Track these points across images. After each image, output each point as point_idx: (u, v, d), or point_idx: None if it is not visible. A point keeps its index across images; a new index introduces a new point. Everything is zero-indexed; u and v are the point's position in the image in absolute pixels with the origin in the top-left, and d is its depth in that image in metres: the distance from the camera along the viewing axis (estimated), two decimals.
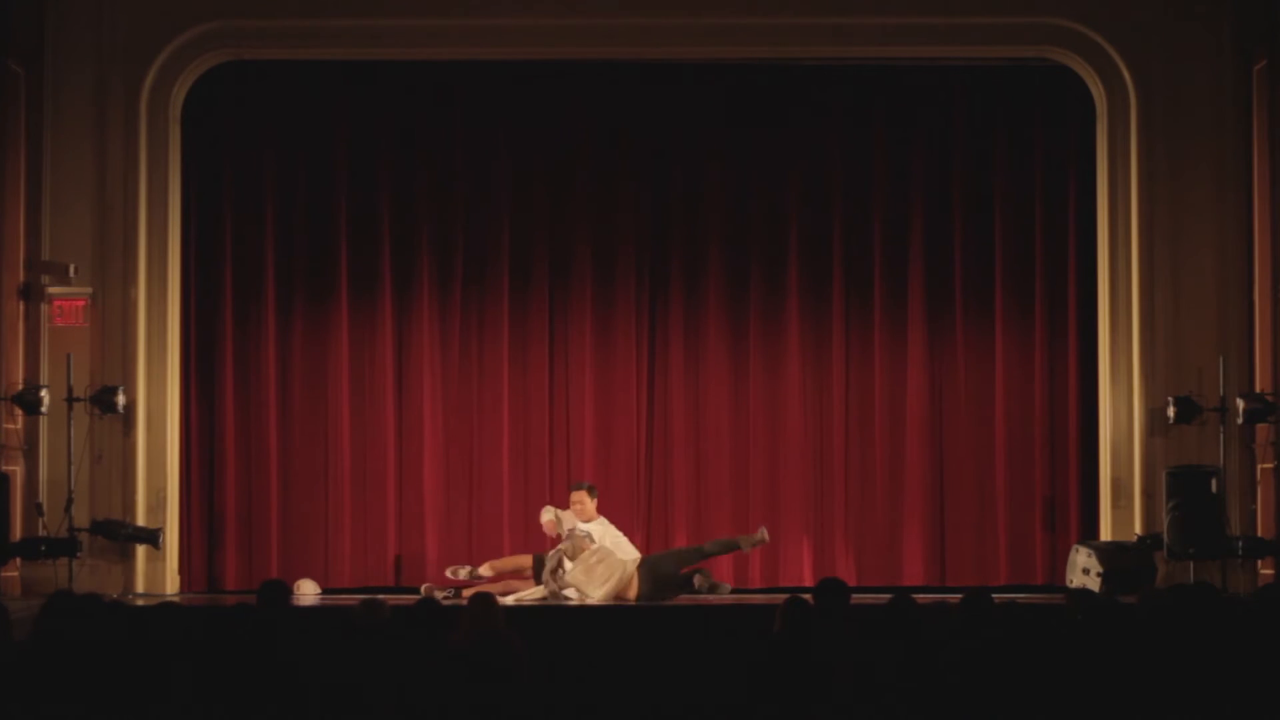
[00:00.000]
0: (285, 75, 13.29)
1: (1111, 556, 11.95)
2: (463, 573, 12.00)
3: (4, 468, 12.06)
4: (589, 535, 11.64)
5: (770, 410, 13.28)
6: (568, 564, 11.47)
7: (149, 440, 12.76)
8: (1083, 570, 11.99)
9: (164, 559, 12.69)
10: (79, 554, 12.18)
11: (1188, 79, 12.81)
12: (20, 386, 12.25)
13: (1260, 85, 12.50)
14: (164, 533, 12.63)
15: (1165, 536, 12.18)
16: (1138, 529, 12.61)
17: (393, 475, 13.16)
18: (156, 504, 12.75)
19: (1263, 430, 12.31)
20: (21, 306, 12.51)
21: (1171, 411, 12.49)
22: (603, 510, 13.06)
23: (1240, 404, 12.20)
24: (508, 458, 13.11)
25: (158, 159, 12.90)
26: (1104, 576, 11.77)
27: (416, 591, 11.90)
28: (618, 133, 13.43)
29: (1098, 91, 12.99)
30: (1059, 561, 12.73)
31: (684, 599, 11.79)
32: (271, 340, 13.24)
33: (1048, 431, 13.21)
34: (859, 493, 13.24)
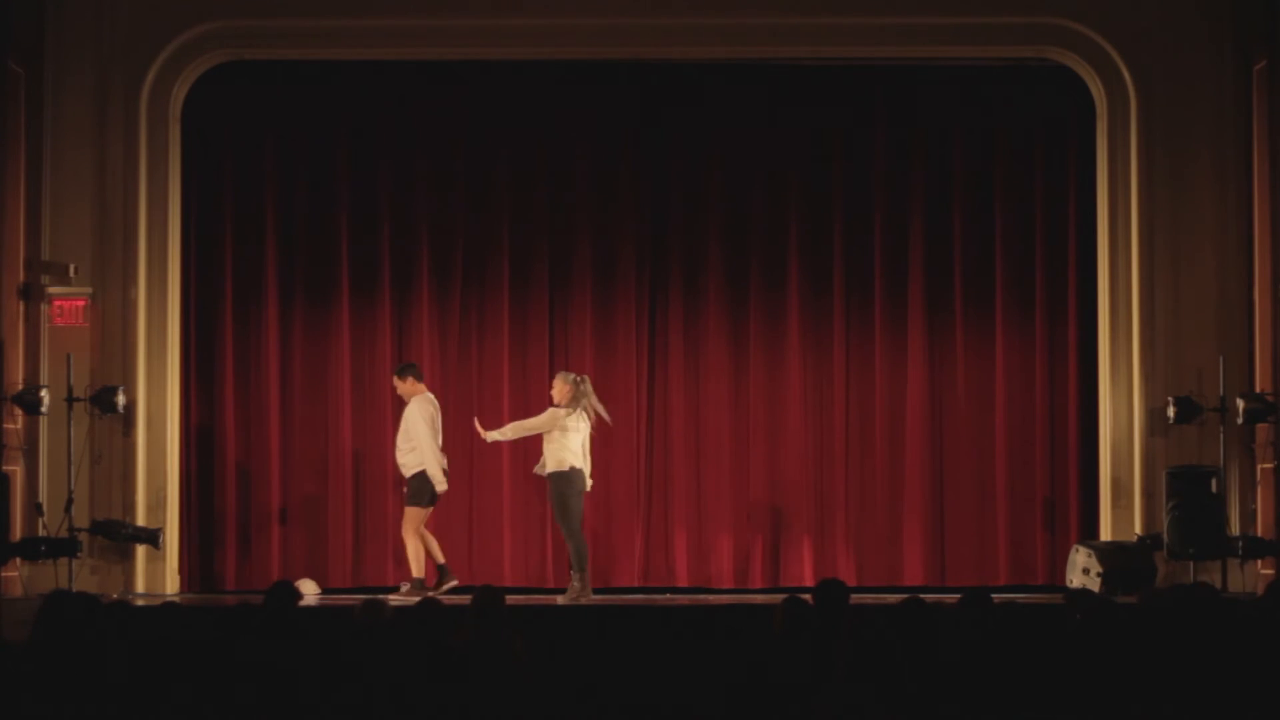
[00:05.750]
0: (285, 75, 13.30)
1: (1111, 556, 11.96)
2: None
3: (4, 468, 12.06)
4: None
5: (770, 410, 13.28)
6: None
7: (149, 440, 12.77)
8: (1083, 570, 12.00)
9: (164, 559, 12.69)
10: (79, 554, 12.19)
11: (1188, 79, 12.81)
12: (20, 386, 12.25)
13: (1260, 85, 12.49)
14: (164, 533, 12.64)
15: (1165, 536, 12.18)
16: (1138, 529, 12.61)
17: (393, 475, 13.14)
18: (156, 504, 12.75)
19: (1263, 430, 12.31)
20: (21, 306, 12.51)
21: (1171, 411, 12.49)
22: (603, 510, 13.12)
23: (1240, 404, 12.20)
24: (507, 457, 13.09)
25: (158, 159, 12.91)
26: (1104, 576, 11.77)
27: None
28: (618, 133, 13.43)
29: (1098, 91, 12.99)
30: (1059, 561, 12.73)
31: (683, 599, 11.80)
32: (272, 340, 13.24)
33: (1048, 431, 13.21)
34: (859, 492, 13.24)
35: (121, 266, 12.78)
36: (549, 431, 11.65)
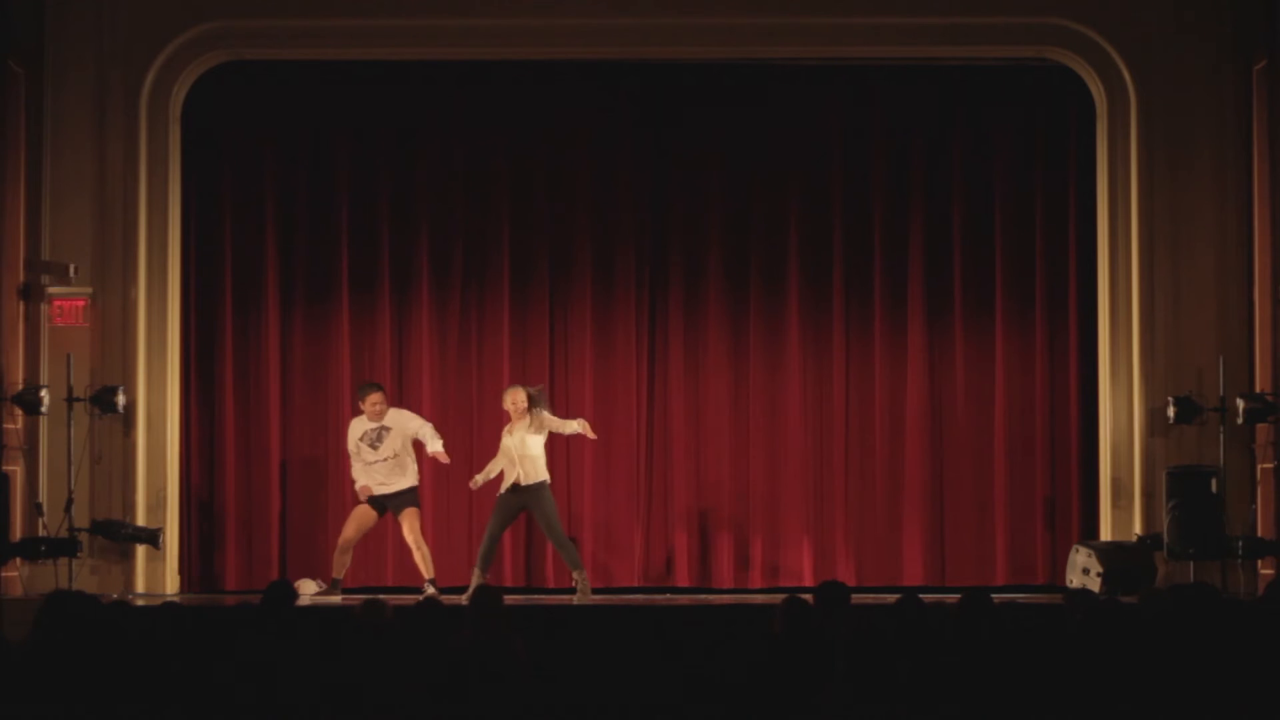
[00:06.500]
0: (285, 75, 13.30)
1: (1111, 556, 11.95)
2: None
3: (4, 468, 12.06)
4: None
5: (770, 410, 13.28)
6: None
7: (149, 440, 12.77)
8: (1083, 570, 11.99)
9: (164, 559, 12.69)
10: (79, 554, 12.19)
11: (1188, 79, 12.81)
12: (20, 386, 12.25)
13: (1260, 85, 12.50)
14: (164, 533, 12.64)
15: (1165, 536, 12.18)
16: (1138, 529, 12.61)
17: None
18: (156, 504, 12.75)
19: (1263, 430, 12.31)
20: (21, 306, 12.52)
21: (1171, 411, 12.49)
22: (603, 510, 13.12)
23: (1240, 404, 12.20)
24: None
25: (158, 159, 12.91)
26: (1104, 576, 11.77)
27: (418, 591, 11.90)
28: (618, 132, 13.43)
29: (1098, 91, 12.99)
30: (1059, 561, 12.73)
31: (683, 599, 11.79)
32: (272, 339, 13.24)
33: (1048, 431, 13.20)
34: (859, 493, 13.23)
35: (121, 266, 12.78)
36: (533, 440, 11.75)
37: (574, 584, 11.77)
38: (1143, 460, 12.72)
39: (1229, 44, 12.74)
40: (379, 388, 12.25)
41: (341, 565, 12.15)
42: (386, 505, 12.09)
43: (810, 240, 13.38)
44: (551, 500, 11.79)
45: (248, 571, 13.05)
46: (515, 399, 11.80)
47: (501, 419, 12.34)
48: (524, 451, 11.71)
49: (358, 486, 12.10)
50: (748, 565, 13.13)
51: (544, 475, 11.77)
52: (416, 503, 12.15)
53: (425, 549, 12.07)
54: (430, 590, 11.78)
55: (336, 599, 11.87)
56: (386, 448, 12.06)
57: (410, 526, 12.03)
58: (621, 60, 13.27)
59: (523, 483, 11.70)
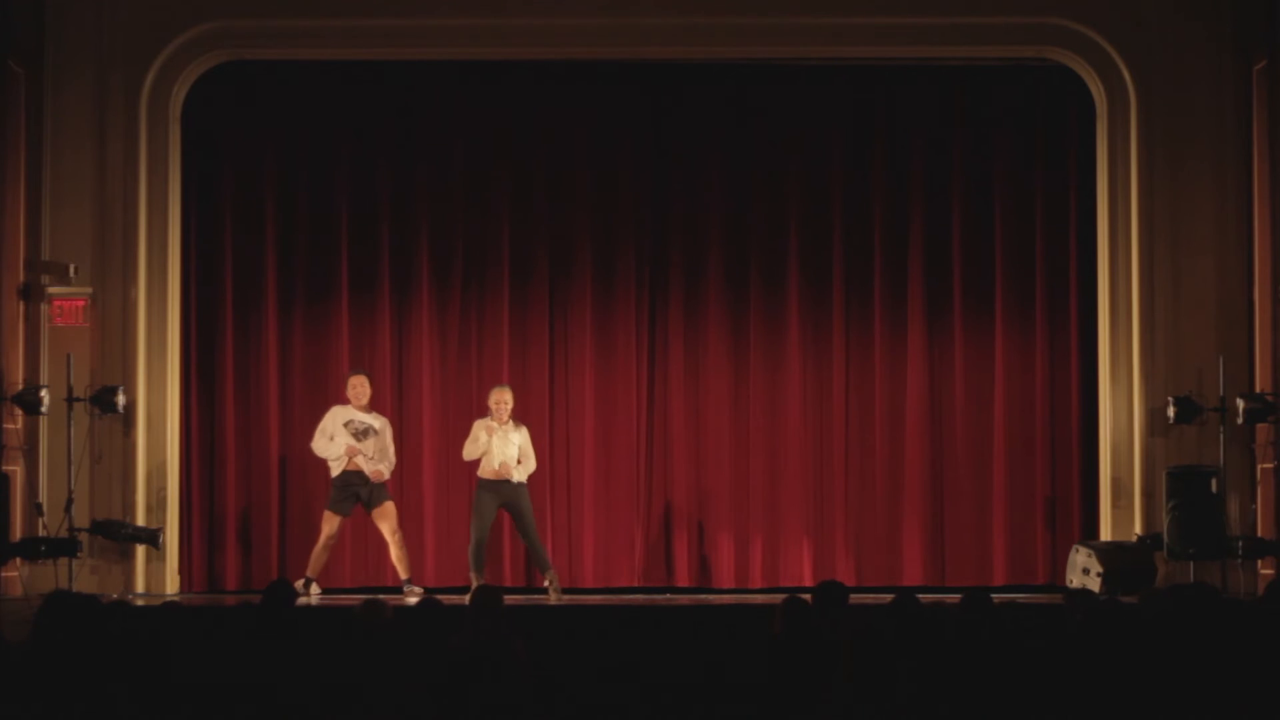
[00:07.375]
0: (285, 75, 13.30)
1: (1111, 556, 11.96)
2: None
3: (4, 468, 12.07)
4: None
5: (770, 410, 13.28)
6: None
7: (149, 440, 12.77)
8: (1083, 570, 12.00)
9: (164, 559, 12.69)
10: (79, 554, 12.20)
11: (1188, 79, 12.82)
12: (20, 386, 12.25)
13: (1260, 85, 12.50)
14: (164, 533, 12.64)
15: (1165, 536, 12.18)
16: (1138, 529, 12.61)
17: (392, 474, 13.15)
18: (156, 504, 12.75)
19: (1263, 430, 12.32)
20: (21, 306, 12.52)
21: (1171, 411, 12.49)
22: (603, 510, 13.13)
23: (1240, 404, 12.21)
24: None
25: (158, 159, 12.91)
26: (1104, 576, 11.77)
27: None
28: (618, 132, 13.43)
29: (1098, 91, 13.00)
30: (1059, 561, 12.73)
31: (683, 599, 11.79)
32: (272, 340, 13.24)
33: (1048, 431, 13.21)
34: (859, 493, 13.24)
35: (121, 266, 12.78)
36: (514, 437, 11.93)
37: (546, 584, 11.84)
38: (1143, 460, 12.73)
39: (1229, 44, 12.75)
40: (363, 372, 12.32)
41: (318, 564, 12.12)
42: (359, 496, 12.06)
43: (810, 240, 13.38)
44: (529, 501, 11.89)
45: (248, 571, 13.05)
46: (503, 398, 11.86)
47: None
48: (507, 451, 11.77)
49: (345, 449, 12.00)
50: (748, 565, 13.12)
51: (525, 474, 11.93)
52: (390, 495, 12.16)
53: (405, 548, 12.07)
54: (414, 590, 11.79)
55: (313, 597, 11.90)
56: (369, 445, 12.09)
57: (391, 525, 12.03)
58: (621, 60, 13.27)
59: (512, 478, 11.73)
